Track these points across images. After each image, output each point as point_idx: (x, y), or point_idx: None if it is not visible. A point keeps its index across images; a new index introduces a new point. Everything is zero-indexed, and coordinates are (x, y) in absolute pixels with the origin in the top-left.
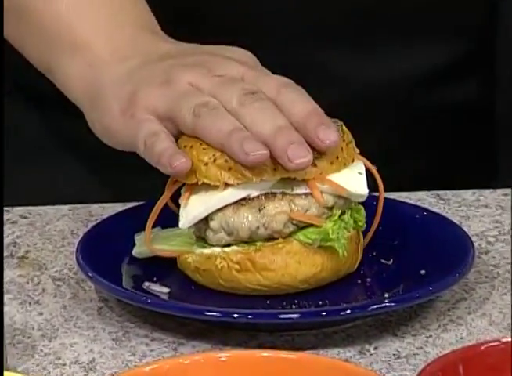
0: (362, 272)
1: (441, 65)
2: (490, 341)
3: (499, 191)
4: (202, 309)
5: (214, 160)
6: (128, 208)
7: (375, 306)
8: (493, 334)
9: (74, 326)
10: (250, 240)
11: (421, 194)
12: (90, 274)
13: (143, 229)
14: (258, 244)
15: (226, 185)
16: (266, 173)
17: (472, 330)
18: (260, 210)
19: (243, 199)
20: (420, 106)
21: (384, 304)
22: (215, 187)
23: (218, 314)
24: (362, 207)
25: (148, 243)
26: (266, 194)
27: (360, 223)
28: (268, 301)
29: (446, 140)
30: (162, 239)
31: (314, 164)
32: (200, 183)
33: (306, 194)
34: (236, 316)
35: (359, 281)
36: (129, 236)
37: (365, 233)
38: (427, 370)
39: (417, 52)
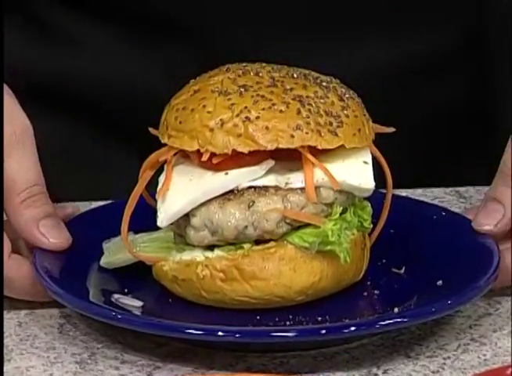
0: (368, 282)
1: (430, 55)
2: None
3: None
4: (181, 325)
5: (222, 125)
6: (94, 208)
7: (384, 322)
8: None
9: (31, 346)
10: (236, 242)
11: (438, 191)
12: (49, 286)
13: (112, 233)
14: (246, 247)
15: (234, 153)
16: (282, 140)
17: (497, 351)
18: (249, 206)
19: (231, 192)
20: (410, 100)
21: (395, 320)
22: (199, 175)
23: (200, 332)
24: (368, 203)
25: (128, 245)
26: (257, 188)
27: (366, 223)
28: (258, 317)
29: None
30: (135, 245)
31: (335, 133)
32: (202, 151)
33: (302, 189)
34: (220, 334)
35: (365, 293)
36: (95, 241)
37: (370, 235)
38: None
39: (405, 40)
